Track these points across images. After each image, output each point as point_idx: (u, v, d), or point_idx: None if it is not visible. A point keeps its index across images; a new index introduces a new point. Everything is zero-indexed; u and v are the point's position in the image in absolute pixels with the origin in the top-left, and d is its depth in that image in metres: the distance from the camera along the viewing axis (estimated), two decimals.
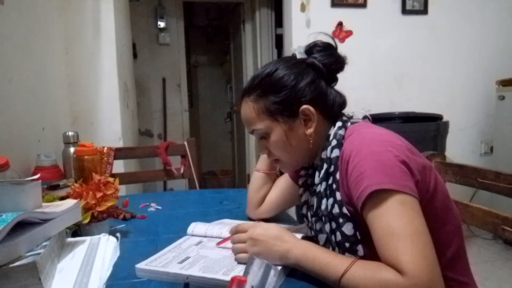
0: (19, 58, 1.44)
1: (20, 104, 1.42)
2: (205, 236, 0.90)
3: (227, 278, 0.68)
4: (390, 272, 0.60)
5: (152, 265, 0.73)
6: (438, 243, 0.67)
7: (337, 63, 0.84)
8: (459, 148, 2.71)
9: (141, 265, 0.72)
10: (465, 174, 1.06)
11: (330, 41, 0.85)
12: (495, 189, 0.96)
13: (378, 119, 2.22)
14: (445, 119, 2.36)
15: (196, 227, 0.93)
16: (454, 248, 0.79)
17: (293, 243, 0.72)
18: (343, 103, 0.86)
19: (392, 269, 0.61)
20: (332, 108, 0.84)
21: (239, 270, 0.71)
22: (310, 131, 0.81)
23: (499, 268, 2.31)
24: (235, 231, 0.80)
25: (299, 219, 0.99)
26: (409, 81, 2.67)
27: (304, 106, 0.80)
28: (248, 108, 0.83)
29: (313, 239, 0.84)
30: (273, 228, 0.76)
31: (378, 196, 0.66)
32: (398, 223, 0.64)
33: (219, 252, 0.81)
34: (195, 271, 0.71)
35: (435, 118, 2.34)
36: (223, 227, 0.91)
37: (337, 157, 0.77)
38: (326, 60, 0.82)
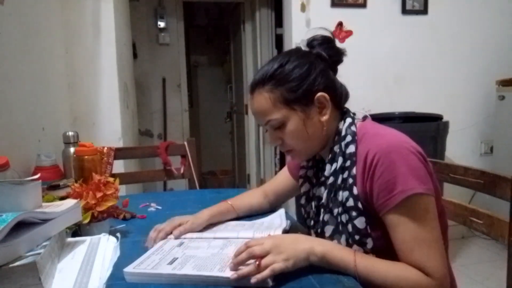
0: (19, 58, 1.44)
1: (20, 104, 1.42)
2: (185, 238, 0.90)
3: (224, 274, 0.68)
4: (419, 275, 0.71)
5: (141, 268, 0.72)
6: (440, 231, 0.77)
7: (338, 55, 0.88)
8: (459, 148, 2.71)
9: (129, 269, 0.71)
10: (438, 170, 1.12)
11: (328, 35, 0.89)
12: (465, 184, 1.04)
13: (378, 119, 2.21)
14: (445, 119, 2.36)
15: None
16: (445, 242, 0.86)
17: (313, 240, 0.76)
18: (347, 93, 0.91)
19: (419, 272, 0.71)
20: (341, 97, 0.88)
21: None
22: (325, 118, 0.84)
23: (499, 268, 2.31)
24: (244, 248, 0.70)
25: (299, 219, 1.00)
26: (409, 81, 2.67)
27: (320, 94, 0.83)
28: (263, 99, 0.84)
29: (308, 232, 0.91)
30: (287, 235, 0.79)
31: (409, 200, 0.72)
32: (424, 230, 0.72)
33: (205, 250, 0.81)
34: (189, 270, 0.70)
35: (435, 118, 2.34)
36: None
37: (353, 153, 0.81)
38: (329, 52, 0.86)
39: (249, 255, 0.69)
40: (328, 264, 0.73)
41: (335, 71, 0.89)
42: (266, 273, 0.66)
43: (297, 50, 0.88)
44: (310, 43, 0.88)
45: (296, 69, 0.83)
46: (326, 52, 0.86)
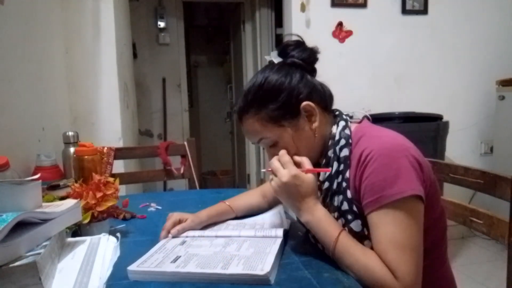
0: (19, 58, 1.44)
1: (20, 104, 1.43)
2: (187, 236, 0.90)
3: (228, 271, 0.68)
4: (387, 274, 0.70)
5: (145, 266, 0.72)
6: (440, 233, 0.83)
7: (312, 54, 0.87)
8: (459, 148, 2.71)
9: (133, 267, 0.71)
10: (438, 170, 1.12)
11: (298, 38, 0.89)
12: (465, 184, 1.04)
13: (378, 119, 2.22)
14: (445, 119, 2.36)
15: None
16: (445, 242, 0.89)
17: (310, 206, 0.79)
18: (331, 94, 0.90)
19: (389, 271, 0.70)
20: (326, 99, 0.88)
21: (236, 263, 0.72)
22: (315, 124, 0.84)
23: (499, 268, 2.31)
24: (278, 157, 0.82)
25: (299, 220, 1.00)
26: (409, 81, 2.67)
27: (304, 103, 0.83)
28: (251, 124, 0.85)
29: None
30: (302, 185, 0.78)
31: (393, 204, 0.72)
32: (402, 234, 0.72)
33: (208, 248, 0.81)
34: (192, 268, 0.71)
35: (435, 118, 2.34)
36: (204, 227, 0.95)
37: (346, 156, 0.81)
38: (303, 55, 0.86)
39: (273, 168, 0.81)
40: (312, 231, 0.79)
41: (313, 72, 0.89)
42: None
43: (271, 66, 0.87)
44: (283, 50, 0.88)
45: (275, 86, 0.82)
46: (300, 57, 0.86)
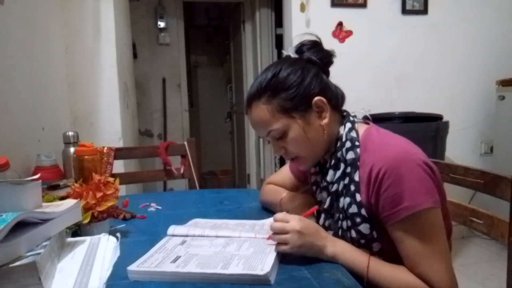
0: (19, 58, 1.44)
1: (20, 104, 1.42)
2: (187, 236, 0.90)
3: (228, 271, 0.69)
4: (424, 286, 0.72)
5: (145, 266, 0.72)
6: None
7: (328, 56, 0.88)
8: (459, 148, 2.71)
9: (133, 267, 0.71)
10: (438, 169, 1.11)
11: (316, 38, 0.90)
12: (465, 184, 1.04)
13: (378, 119, 2.22)
14: (445, 119, 2.36)
15: (176, 229, 0.92)
16: (449, 245, 0.88)
17: (329, 240, 0.77)
18: (343, 95, 0.90)
19: (423, 283, 0.73)
20: (338, 99, 0.88)
21: (236, 263, 0.72)
22: (325, 121, 0.84)
23: (499, 268, 2.31)
24: (277, 220, 0.77)
25: None
26: (409, 81, 2.67)
27: (317, 98, 0.83)
28: (261, 111, 0.83)
29: None
30: (312, 224, 0.79)
31: (415, 216, 0.73)
32: (428, 244, 0.73)
33: (208, 248, 0.81)
34: (192, 268, 0.71)
35: (435, 118, 2.34)
36: (203, 225, 0.94)
37: (353, 159, 0.81)
38: (319, 55, 0.86)
39: (271, 228, 0.77)
40: (339, 263, 0.76)
41: (327, 73, 0.89)
42: (277, 248, 0.75)
43: (287, 58, 0.88)
44: (299, 49, 0.88)
45: (290, 76, 0.82)
46: (315, 56, 0.86)
